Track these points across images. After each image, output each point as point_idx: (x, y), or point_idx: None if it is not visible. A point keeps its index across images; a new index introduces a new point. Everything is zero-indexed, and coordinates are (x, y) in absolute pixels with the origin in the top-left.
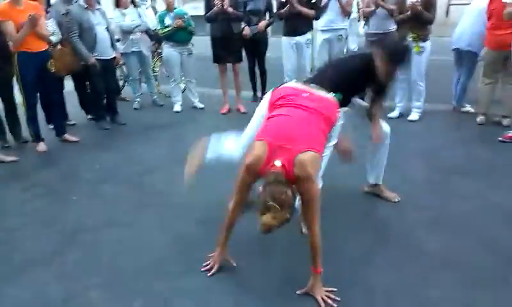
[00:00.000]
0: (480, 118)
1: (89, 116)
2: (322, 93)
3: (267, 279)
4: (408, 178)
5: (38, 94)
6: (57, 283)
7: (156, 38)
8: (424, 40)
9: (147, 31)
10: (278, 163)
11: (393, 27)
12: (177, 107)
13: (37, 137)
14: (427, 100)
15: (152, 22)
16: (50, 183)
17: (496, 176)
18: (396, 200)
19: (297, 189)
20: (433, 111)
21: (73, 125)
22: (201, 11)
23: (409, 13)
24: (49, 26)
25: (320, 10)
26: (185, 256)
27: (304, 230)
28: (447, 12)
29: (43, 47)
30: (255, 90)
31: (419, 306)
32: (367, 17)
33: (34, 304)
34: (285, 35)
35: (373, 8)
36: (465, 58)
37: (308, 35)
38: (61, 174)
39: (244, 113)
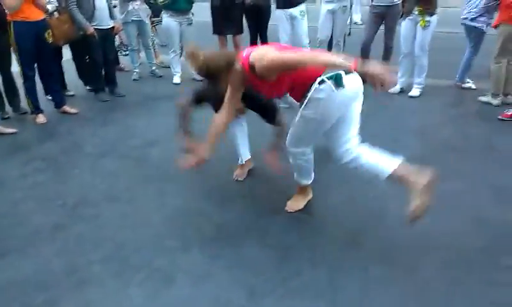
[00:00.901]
0: (497, 101)
1: (87, 87)
2: None
3: (264, 256)
4: (405, 155)
5: (36, 64)
6: (60, 256)
7: (154, 7)
8: (431, 14)
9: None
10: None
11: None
12: (176, 79)
13: (36, 109)
14: (429, 75)
15: None
16: (50, 157)
17: (492, 155)
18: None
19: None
20: (435, 86)
21: (72, 95)
22: None
23: None
24: None
25: None
26: (184, 232)
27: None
28: None
29: (40, 16)
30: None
31: (411, 286)
32: None
33: (38, 278)
34: (278, 7)
35: None
36: (471, 33)
37: (302, 6)
38: (61, 147)
39: None
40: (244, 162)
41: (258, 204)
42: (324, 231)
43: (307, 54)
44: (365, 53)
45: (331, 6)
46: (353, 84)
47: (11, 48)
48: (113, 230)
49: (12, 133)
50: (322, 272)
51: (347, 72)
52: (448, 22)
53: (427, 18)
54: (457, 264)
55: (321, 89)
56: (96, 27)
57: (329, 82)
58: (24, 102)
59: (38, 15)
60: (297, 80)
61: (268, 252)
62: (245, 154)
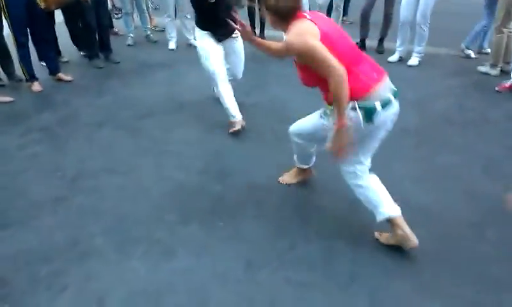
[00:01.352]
0: (495, 71)
1: (82, 53)
2: None
3: (260, 228)
4: (400, 127)
5: (29, 30)
6: (62, 229)
7: None
8: None
9: None
10: None
11: None
12: (172, 45)
13: (31, 77)
14: (429, 42)
15: None
16: (47, 127)
17: (488, 128)
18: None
19: None
20: (435, 55)
21: (67, 62)
22: None
23: None
24: None
25: None
26: (183, 205)
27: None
28: None
29: None
30: (253, 28)
31: (400, 258)
32: None
33: (41, 249)
34: None
35: None
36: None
37: None
38: (58, 117)
39: None
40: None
41: (256, 177)
42: (319, 206)
43: (342, 85)
44: (364, 20)
45: None
46: (386, 117)
47: (2, 14)
48: (113, 202)
49: (9, 102)
50: (316, 246)
51: (385, 104)
52: None
53: None
54: (445, 238)
55: (351, 117)
56: None
57: (359, 113)
58: (18, 69)
59: None
60: (324, 87)
61: (264, 224)
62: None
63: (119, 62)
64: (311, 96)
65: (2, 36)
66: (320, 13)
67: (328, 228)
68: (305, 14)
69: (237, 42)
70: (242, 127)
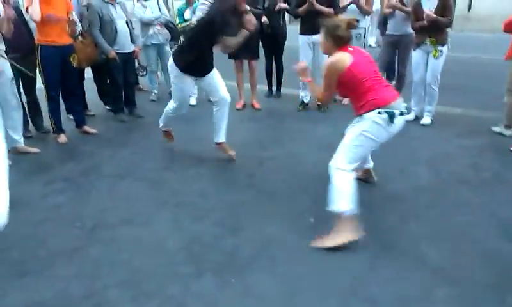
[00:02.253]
0: (510, 132)
1: (107, 107)
2: None
3: (273, 286)
4: (415, 186)
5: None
6: (77, 280)
7: (173, 32)
8: (442, 44)
9: (166, 24)
10: None
11: (411, 29)
12: (193, 101)
13: (59, 129)
14: (443, 102)
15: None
16: (70, 177)
17: (502, 188)
18: (232, 153)
19: None
20: (448, 114)
21: (93, 115)
22: None
23: (425, 21)
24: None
25: (339, 9)
26: (198, 258)
27: None
28: (470, 6)
29: (68, 40)
30: (270, 86)
31: None
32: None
33: (56, 301)
34: (302, 33)
35: (391, 10)
36: None
37: None
38: (81, 168)
39: (259, 109)
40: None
41: (270, 232)
42: (333, 260)
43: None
44: None
45: None
46: (399, 125)
47: (37, 70)
48: (129, 254)
49: (35, 153)
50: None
51: (401, 113)
52: (464, 46)
53: (439, 48)
54: (464, 300)
55: (381, 118)
56: (117, 51)
57: (385, 116)
58: (46, 121)
59: (65, 40)
60: (353, 98)
61: (278, 282)
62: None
63: (143, 117)
64: (325, 151)
65: (35, 90)
66: (360, 49)
67: (339, 286)
68: (349, 48)
69: (213, 72)
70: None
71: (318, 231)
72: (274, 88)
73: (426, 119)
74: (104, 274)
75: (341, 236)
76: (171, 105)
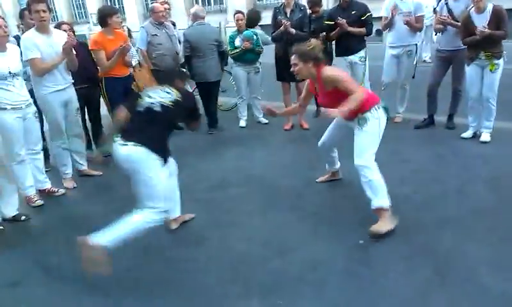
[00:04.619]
0: None
1: None
2: None
3: None
4: (474, 207)
5: None
6: (129, 301)
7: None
8: (498, 57)
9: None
10: None
11: (461, 44)
12: (242, 123)
13: None
14: (503, 117)
15: None
16: (129, 198)
17: None
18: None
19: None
20: (507, 130)
21: None
22: (269, 20)
23: (478, 37)
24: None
25: (371, 26)
26: (246, 279)
27: None
28: None
29: (127, 72)
30: (318, 106)
31: None
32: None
33: None
34: (337, 55)
35: (441, 26)
36: None
37: (362, 53)
38: None
39: (307, 129)
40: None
41: (317, 254)
42: (383, 285)
43: (356, 98)
44: (431, 96)
45: (395, 51)
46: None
47: (102, 100)
48: (181, 274)
49: (97, 175)
50: None
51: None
52: None
53: (495, 61)
54: None
55: (380, 112)
56: None
57: (382, 110)
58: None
59: (125, 72)
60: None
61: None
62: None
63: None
64: None
65: (99, 119)
66: None
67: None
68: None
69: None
70: None
71: (367, 253)
72: (322, 108)
73: (485, 136)
74: (154, 297)
75: (387, 225)
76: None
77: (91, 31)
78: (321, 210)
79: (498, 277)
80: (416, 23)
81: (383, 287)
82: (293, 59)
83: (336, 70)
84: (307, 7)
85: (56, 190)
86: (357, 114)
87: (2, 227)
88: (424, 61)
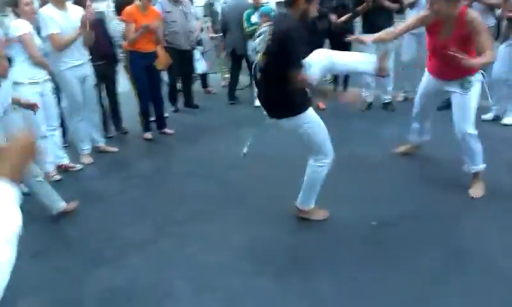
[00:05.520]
0: None
1: (172, 108)
2: None
3: (335, 292)
4: (496, 192)
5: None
6: (146, 270)
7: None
8: None
9: None
10: None
11: (492, 21)
12: (257, 102)
13: (146, 128)
14: None
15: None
16: (145, 175)
17: None
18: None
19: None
20: None
21: (167, 117)
22: None
23: None
24: None
25: (404, 4)
26: (258, 257)
27: None
28: None
29: (152, 48)
30: (336, 84)
31: None
32: None
33: (127, 288)
34: (363, 33)
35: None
36: None
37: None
38: (155, 166)
39: (323, 109)
40: None
41: (331, 232)
42: (399, 268)
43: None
44: None
45: (415, 30)
46: None
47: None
48: (195, 249)
49: (114, 152)
50: None
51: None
52: None
53: None
54: None
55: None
56: None
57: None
58: (125, 122)
59: (150, 47)
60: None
61: (339, 288)
62: None
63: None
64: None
65: (116, 95)
66: None
67: (409, 293)
68: None
69: None
70: None
71: (382, 236)
72: (339, 88)
73: (509, 119)
74: (171, 267)
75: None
76: None
77: (109, 8)
78: (336, 191)
79: None
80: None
81: (398, 273)
82: None
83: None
84: None
85: (74, 165)
86: (463, 75)
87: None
88: None
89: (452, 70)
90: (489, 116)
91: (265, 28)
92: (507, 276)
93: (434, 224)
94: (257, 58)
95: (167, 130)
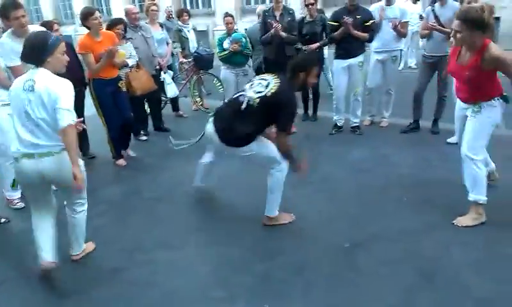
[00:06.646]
0: None
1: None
2: None
3: None
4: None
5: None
6: (116, 302)
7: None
8: None
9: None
10: None
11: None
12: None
13: (118, 155)
14: None
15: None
16: (112, 200)
17: None
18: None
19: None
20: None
21: (146, 140)
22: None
23: None
24: (127, 50)
25: (374, 33)
26: (231, 282)
27: None
28: None
29: (115, 74)
30: (306, 110)
31: None
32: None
33: None
34: (337, 58)
35: (428, 32)
36: None
37: (361, 57)
38: (123, 191)
39: (294, 133)
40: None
41: (304, 256)
42: (371, 288)
43: None
44: (417, 102)
45: (380, 57)
46: None
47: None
48: (164, 277)
49: None
50: None
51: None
52: None
53: None
54: None
55: (497, 103)
56: None
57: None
58: (92, 147)
59: (113, 74)
60: (489, 85)
61: None
62: None
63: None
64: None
65: (84, 119)
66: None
67: None
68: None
69: None
70: None
71: (353, 256)
72: (310, 111)
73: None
74: (140, 297)
75: (476, 221)
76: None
77: (77, 32)
78: (308, 214)
79: (482, 282)
80: (402, 29)
81: (369, 291)
82: (456, 25)
83: (501, 50)
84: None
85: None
86: (475, 100)
87: None
88: (410, 67)
89: (465, 93)
90: (453, 139)
91: (272, 80)
92: (473, 291)
93: (405, 243)
94: (253, 97)
95: (129, 152)
